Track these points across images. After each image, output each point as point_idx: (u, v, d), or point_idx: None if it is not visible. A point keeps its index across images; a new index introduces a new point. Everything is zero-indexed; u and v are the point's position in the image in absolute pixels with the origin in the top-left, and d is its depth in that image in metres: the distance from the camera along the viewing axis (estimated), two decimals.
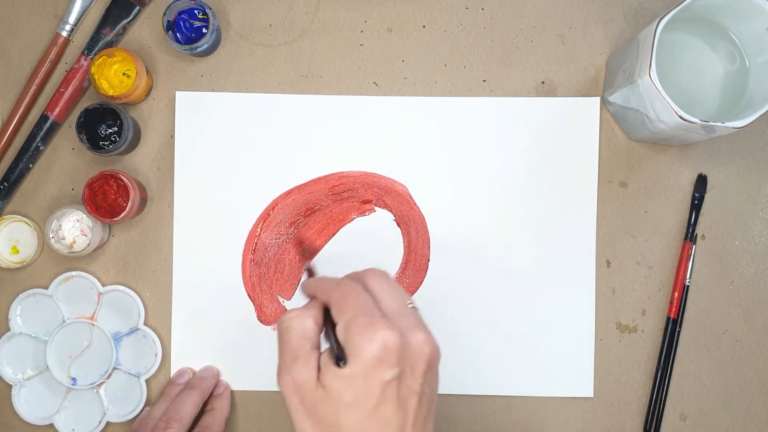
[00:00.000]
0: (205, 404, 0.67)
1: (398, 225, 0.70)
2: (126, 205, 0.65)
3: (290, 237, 0.69)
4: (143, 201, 0.68)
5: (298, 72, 0.70)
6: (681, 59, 0.65)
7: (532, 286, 0.69)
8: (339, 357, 0.46)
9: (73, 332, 0.69)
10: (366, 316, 0.46)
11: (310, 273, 0.57)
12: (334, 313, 0.48)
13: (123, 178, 0.65)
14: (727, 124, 0.58)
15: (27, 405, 0.69)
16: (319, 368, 0.47)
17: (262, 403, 0.70)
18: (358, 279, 0.50)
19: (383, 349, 0.45)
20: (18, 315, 0.69)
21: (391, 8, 0.70)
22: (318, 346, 0.48)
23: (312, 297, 0.51)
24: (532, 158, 0.69)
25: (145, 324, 0.69)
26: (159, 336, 0.69)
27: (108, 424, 0.69)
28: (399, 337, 0.46)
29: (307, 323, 0.49)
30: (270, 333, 0.69)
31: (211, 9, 0.66)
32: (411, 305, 0.49)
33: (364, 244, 0.69)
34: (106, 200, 0.65)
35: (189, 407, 0.65)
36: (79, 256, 0.68)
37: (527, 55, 0.70)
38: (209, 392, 0.68)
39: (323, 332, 0.49)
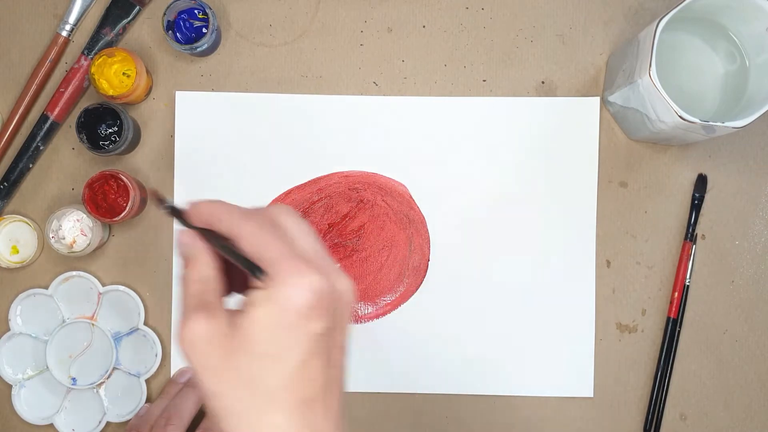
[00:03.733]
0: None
1: (398, 225, 0.70)
2: (126, 205, 0.65)
3: None
4: (143, 201, 0.68)
5: (298, 72, 0.70)
6: (681, 59, 0.65)
7: (532, 286, 0.69)
8: (256, 269, 0.39)
9: (73, 332, 0.69)
10: (289, 259, 0.39)
11: (175, 210, 0.45)
12: (248, 252, 0.41)
13: (123, 177, 0.65)
14: (727, 124, 0.58)
15: (27, 405, 0.69)
16: (228, 318, 0.40)
17: None
18: (266, 215, 0.42)
19: (315, 297, 0.39)
20: (18, 315, 0.69)
21: (391, 8, 0.70)
22: (223, 295, 0.42)
23: (204, 226, 0.43)
24: (532, 158, 0.69)
25: (145, 324, 0.69)
26: (159, 336, 0.69)
27: (108, 424, 0.69)
28: (329, 283, 0.40)
29: (207, 272, 0.42)
30: None
31: (211, 9, 0.66)
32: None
33: (365, 243, 0.69)
34: (106, 200, 0.65)
35: (189, 405, 0.65)
36: (79, 256, 0.68)
37: (527, 55, 0.70)
38: None
39: (226, 253, 0.42)
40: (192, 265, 0.42)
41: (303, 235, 0.42)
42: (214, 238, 0.42)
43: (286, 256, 0.40)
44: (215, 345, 0.40)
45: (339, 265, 0.42)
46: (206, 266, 0.42)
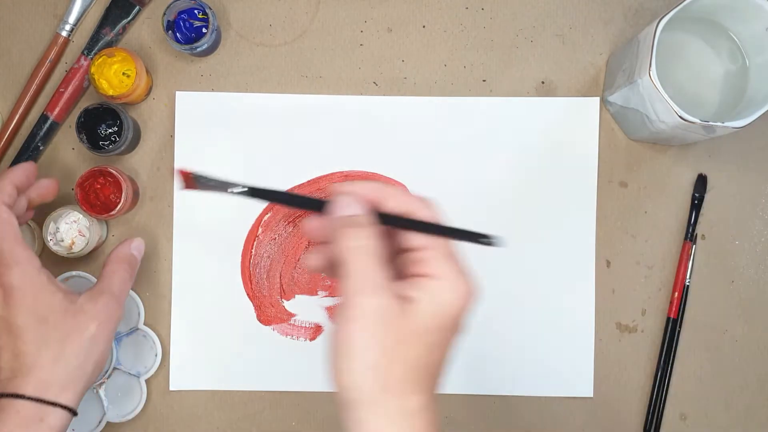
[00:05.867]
0: None
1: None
2: (119, 200, 0.65)
3: (289, 236, 0.69)
4: (136, 193, 0.68)
5: (298, 72, 0.70)
6: (681, 59, 0.65)
7: (532, 285, 0.69)
8: (482, 236, 0.45)
9: None
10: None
11: (190, 180, 0.45)
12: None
13: (112, 171, 0.65)
14: (727, 124, 0.58)
15: None
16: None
17: (262, 403, 0.70)
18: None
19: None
20: None
21: (391, 8, 0.70)
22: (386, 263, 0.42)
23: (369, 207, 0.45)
24: (532, 158, 0.69)
25: (145, 324, 0.69)
26: (159, 336, 0.69)
27: (108, 424, 0.69)
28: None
29: (375, 242, 0.42)
30: (270, 333, 0.69)
31: (211, 9, 0.66)
32: None
33: None
34: (98, 198, 0.65)
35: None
36: (78, 256, 0.68)
37: (527, 55, 0.70)
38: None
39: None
40: (366, 235, 0.43)
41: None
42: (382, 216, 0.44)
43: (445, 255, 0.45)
44: (391, 323, 0.42)
45: None
46: (376, 240, 0.43)
